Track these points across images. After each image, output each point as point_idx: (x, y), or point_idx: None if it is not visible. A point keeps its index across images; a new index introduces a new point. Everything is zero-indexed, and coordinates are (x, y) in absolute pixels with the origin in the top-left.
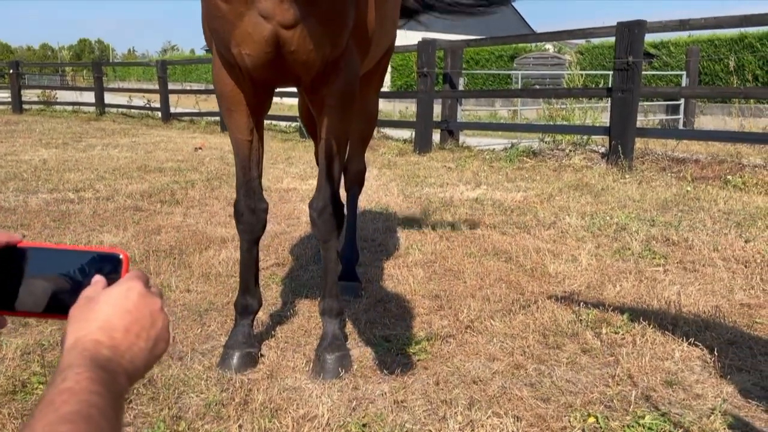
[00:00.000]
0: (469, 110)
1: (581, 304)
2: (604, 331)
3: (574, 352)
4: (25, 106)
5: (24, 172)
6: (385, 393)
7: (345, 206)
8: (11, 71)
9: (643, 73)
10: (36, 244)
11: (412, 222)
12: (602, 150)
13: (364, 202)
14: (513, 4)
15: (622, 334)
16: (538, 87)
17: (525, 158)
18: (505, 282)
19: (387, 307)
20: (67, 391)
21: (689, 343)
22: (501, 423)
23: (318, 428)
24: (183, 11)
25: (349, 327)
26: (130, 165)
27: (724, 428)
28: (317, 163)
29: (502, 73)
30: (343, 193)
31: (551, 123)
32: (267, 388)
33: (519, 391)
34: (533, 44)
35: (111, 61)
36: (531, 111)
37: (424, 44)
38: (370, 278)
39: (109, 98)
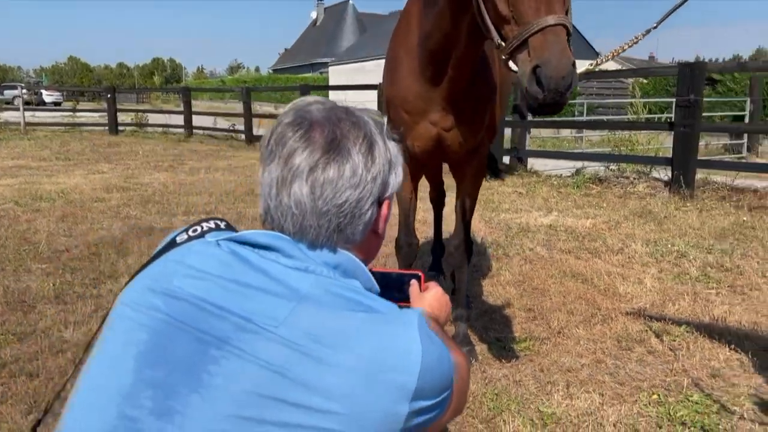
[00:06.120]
0: (534, 132)
1: (647, 318)
2: (665, 338)
3: (642, 353)
4: (120, 128)
5: (154, 194)
6: (506, 375)
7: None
8: (108, 96)
9: (706, 99)
10: (383, 270)
11: (497, 246)
12: (665, 178)
13: (450, 225)
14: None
15: (679, 341)
16: (604, 118)
17: (591, 185)
18: (583, 299)
19: (493, 317)
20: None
21: (731, 349)
22: (590, 397)
23: None
24: (246, 31)
25: (470, 329)
26: (238, 189)
27: (751, 404)
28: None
29: None
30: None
31: (616, 152)
32: None
33: (602, 377)
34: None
35: (183, 79)
36: (596, 134)
37: None
38: (475, 294)
39: (195, 120)
